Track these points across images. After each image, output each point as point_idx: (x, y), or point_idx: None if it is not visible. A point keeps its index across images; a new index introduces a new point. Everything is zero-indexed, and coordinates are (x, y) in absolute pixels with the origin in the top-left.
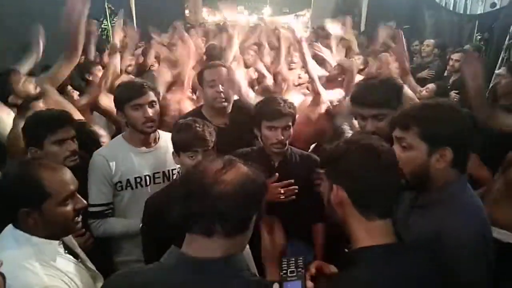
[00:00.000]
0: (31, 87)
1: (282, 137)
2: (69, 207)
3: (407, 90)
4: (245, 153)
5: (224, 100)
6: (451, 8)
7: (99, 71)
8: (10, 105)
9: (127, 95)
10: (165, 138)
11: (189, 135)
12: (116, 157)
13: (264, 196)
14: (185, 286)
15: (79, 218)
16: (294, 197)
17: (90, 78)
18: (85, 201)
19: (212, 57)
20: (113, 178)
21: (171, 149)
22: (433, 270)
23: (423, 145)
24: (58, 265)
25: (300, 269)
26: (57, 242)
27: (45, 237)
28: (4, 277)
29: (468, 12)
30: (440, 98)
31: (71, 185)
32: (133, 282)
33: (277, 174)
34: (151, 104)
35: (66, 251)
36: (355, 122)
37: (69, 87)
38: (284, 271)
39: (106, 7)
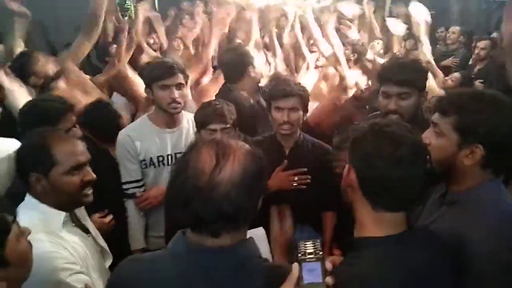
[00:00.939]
0: (50, 67)
1: (288, 119)
2: (76, 177)
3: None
4: (257, 141)
5: None
6: None
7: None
8: (32, 86)
9: (156, 74)
10: (188, 119)
11: (208, 111)
12: (140, 136)
13: (266, 176)
14: (196, 274)
15: (89, 191)
16: (304, 186)
17: (108, 59)
18: (94, 175)
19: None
20: (138, 156)
21: (194, 129)
22: (441, 267)
23: (454, 135)
24: (63, 235)
25: (318, 251)
26: (64, 213)
27: (54, 207)
28: (31, 245)
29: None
30: (484, 89)
31: (80, 156)
32: (144, 269)
33: (286, 161)
34: (179, 86)
35: (74, 224)
36: None
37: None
38: (302, 253)
39: None
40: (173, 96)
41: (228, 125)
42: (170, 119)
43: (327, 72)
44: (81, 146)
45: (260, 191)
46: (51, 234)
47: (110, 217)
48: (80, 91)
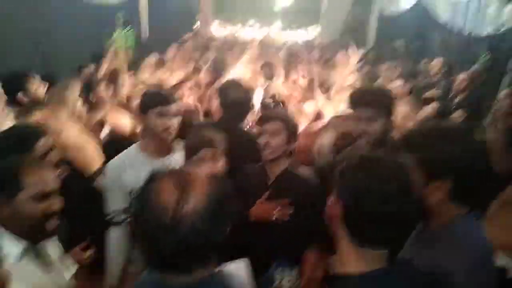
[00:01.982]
0: (42, 93)
1: (267, 141)
2: (42, 205)
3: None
4: (246, 168)
5: None
6: (459, 29)
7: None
8: (15, 103)
9: (155, 100)
10: (179, 149)
11: (197, 137)
12: (130, 165)
13: (233, 200)
14: None
15: (54, 221)
16: (285, 219)
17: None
18: (61, 205)
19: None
20: (126, 185)
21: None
22: None
23: (419, 173)
24: (20, 267)
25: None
26: (24, 243)
27: (18, 234)
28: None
29: (475, 33)
30: (443, 121)
31: (48, 184)
32: None
33: (268, 191)
34: (175, 114)
35: (35, 256)
36: None
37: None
38: None
39: (118, 18)
40: (169, 124)
41: (217, 152)
42: (161, 147)
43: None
44: (51, 174)
45: (227, 217)
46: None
47: (90, 252)
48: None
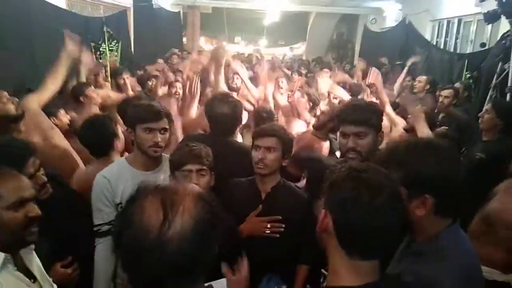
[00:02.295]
0: (12, 108)
1: (262, 157)
2: (19, 213)
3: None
4: (236, 183)
5: None
6: (441, 47)
7: (92, 92)
8: None
9: (142, 116)
10: (167, 162)
11: (184, 151)
12: (118, 178)
13: (221, 221)
14: None
15: (34, 229)
16: (277, 235)
17: (83, 100)
18: (39, 211)
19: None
20: (114, 198)
21: None
22: None
23: (403, 190)
24: (0, 279)
25: None
26: (3, 254)
27: None
28: None
29: (458, 51)
30: (419, 138)
31: (24, 191)
32: None
33: (260, 206)
34: (163, 130)
35: (16, 268)
36: None
37: (62, 111)
38: None
39: (105, 31)
40: (156, 140)
41: (204, 167)
42: (149, 161)
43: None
44: (26, 181)
45: (215, 238)
46: None
47: (74, 267)
48: (39, 135)
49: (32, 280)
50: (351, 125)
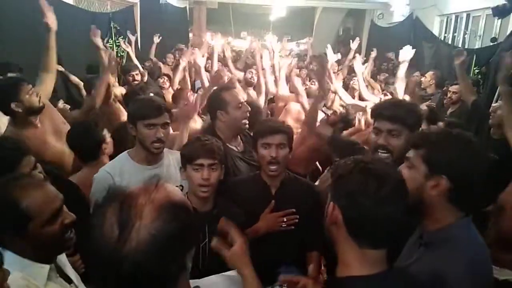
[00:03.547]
0: (36, 100)
1: (276, 155)
2: (56, 225)
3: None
4: (241, 180)
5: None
6: (449, 43)
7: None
8: (8, 112)
9: (143, 112)
10: (169, 156)
11: (196, 145)
12: (120, 173)
13: (193, 231)
14: None
15: (72, 234)
16: (293, 227)
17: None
18: (73, 215)
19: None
20: None
21: (174, 166)
22: None
23: (423, 167)
24: None
25: None
26: (48, 266)
27: (37, 260)
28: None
29: (466, 47)
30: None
31: (55, 202)
32: None
33: (273, 202)
34: (164, 125)
35: (58, 275)
36: None
37: (61, 101)
38: None
39: (112, 26)
40: (158, 136)
41: (216, 161)
42: (150, 156)
43: (290, 107)
44: (51, 189)
45: (183, 248)
46: None
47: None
48: (52, 133)
49: (71, 284)
50: (387, 121)
